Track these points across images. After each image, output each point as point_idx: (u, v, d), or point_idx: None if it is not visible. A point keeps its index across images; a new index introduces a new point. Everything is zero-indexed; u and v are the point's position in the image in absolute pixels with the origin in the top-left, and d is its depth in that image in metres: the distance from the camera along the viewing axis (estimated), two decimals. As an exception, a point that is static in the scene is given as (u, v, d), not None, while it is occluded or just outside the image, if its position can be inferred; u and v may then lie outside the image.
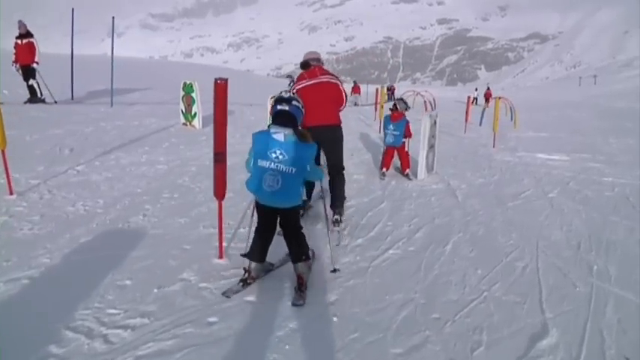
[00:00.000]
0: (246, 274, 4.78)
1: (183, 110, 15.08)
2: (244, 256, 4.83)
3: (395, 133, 9.90)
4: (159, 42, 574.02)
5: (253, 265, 4.80)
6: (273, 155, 4.38)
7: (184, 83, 14.92)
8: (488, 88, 44.17)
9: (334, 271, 5.26)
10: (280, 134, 4.38)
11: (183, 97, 15.01)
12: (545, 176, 10.82)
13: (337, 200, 6.77)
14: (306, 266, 4.78)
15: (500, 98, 26.65)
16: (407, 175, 10.02)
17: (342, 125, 6.89)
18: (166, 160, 10.42)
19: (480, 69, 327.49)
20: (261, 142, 4.46)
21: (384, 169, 10.06)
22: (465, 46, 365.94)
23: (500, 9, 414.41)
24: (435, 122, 10.19)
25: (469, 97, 22.36)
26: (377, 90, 21.01)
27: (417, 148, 9.92)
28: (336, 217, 6.60)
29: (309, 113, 5.43)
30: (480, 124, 22.24)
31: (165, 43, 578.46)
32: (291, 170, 4.39)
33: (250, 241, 4.93)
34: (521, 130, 20.96)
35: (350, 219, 7.16)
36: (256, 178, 4.48)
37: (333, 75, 6.73)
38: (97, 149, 10.68)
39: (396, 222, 7.13)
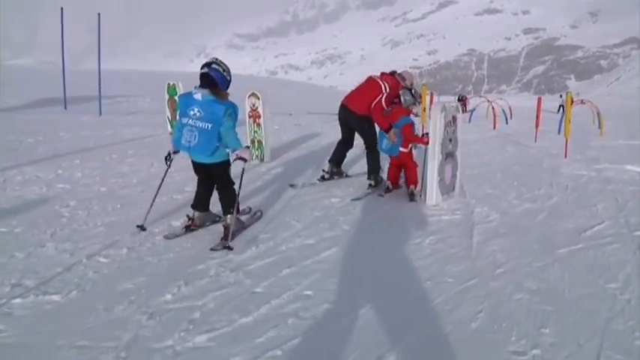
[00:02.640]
0: (190, 222, 5.32)
1: (169, 117, 12.41)
2: (191, 206, 5.36)
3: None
4: (245, 61, 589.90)
5: (197, 213, 5.35)
6: (192, 112, 4.81)
7: (168, 85, 12.23)
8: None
9: None
10: (199, 94, 4.80)
11: (168, 102, 12.34)
12: (634, 199, 7.07)
13: (369, 168, 7.56)
14: (233, 218, 5.07)
15: (582, 101, 22.20)
16: (411, 195, 6.88)
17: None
18: (81, 177, 7.73)
19: (570, 79, 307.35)
20: (184, 102, 4.91)
21: (389, 183, 7.28)
22: (552, 56, 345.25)
23: (591, 15, 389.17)
24: (454, 119, 6.73)
25: (539, 99, 18.26)
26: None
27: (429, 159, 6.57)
28: (369, 182, 7.46)
29: (352, 95, 7.64)
30: (559, 133, 18.02)
31: (251, 62, 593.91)
32: (207, 126, 4.78)
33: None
34: (609, 137, 16.56)
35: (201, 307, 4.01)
36: (178, 134, 4.95)
37: (388, 86, 7.15)
38: (2, 163, 8.11)
39: (306, 302, 3.82)
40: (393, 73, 7.51)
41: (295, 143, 11.99)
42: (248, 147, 5.18)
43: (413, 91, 7.25)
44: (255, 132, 9.57)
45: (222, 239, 4.99)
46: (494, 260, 4.56)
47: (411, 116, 7.12)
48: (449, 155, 6.70)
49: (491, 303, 3.65)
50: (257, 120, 9.49)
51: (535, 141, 14.93)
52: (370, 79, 7.51)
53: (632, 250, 4.91)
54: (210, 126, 4.76)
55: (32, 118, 13.24)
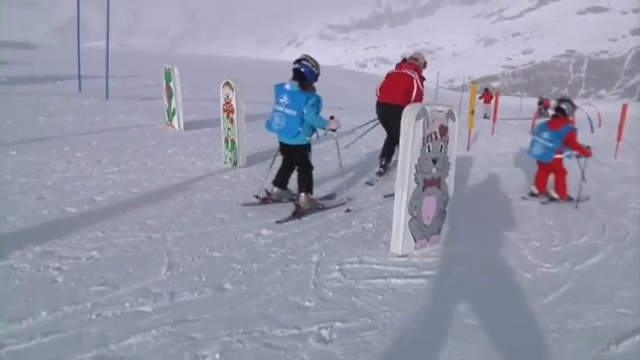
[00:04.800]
0: (267, 195, 5.90)
1: (166, 105, 10.84)
2: (272, 182, 5.90)
3: (548, 143, 6.89)
4: (335, 51, 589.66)
5: (275, 189, 5.89)
6: (281, 100, 5.43)
7: (165, 69, 10.65)
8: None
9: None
10: (288, 85, 5.40)
11: (165, 89, 10.77)
12: None
13: (390, 159, 7.85)
14: (306, 198, 5.63)
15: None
16: (551, 199, 7.07)
17: None
18: None
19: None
20: (277, 91, 5.51)
21: (534, 188, 7.29)
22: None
23: None
24: (444, 130, 4.52)
25: (624, 105, 15.18)
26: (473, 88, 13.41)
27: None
28: (379, 169, 7.74)
29: (383, 92, 7.83)
30: (650, 148, 14.93)
31: (341, 53, 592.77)
32: (293, 113, 5.34)
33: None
34: None
35: None
36: (271, 118, 5.54)
37: (413, 71, 7.64)
38: None
39: None
40: (404, 60, 8.11)
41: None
42: (332, 117, 5.49)
43: (571, 100, 7.27)
44: (228, 129, 7.74)
45: (292, 214, 5.49)
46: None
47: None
48: (430, 183, 4.54)
49: None
50: (230, 115, 7.65)
51: (615, 156, 12.20)
52: (396, 74, 7.83)
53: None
54: (295, 113, 5.31)
55: (34, 99, 12.11)
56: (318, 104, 5.37)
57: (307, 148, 5.61)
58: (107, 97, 13.20)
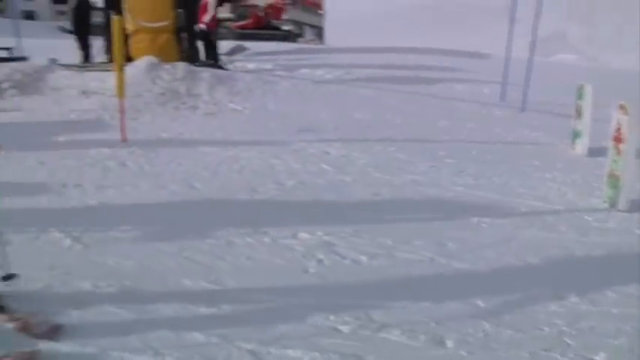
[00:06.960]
0: None
1: (574, 126, 9.73)
2: None
3: None
4: None
5: None
6: None
7: (578, 86, 9.59)
8: None
9: None
10: None
11: (575, 107, 9.71)
12: None
13: None
14: None
15: None
16: None
17: None
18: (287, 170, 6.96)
19: None
20: None
21: None
22: None
23: None
24: None
25: None
26: None
27: None
28: None
29: None
30: None
31: None
32: None
33: None
34: None
35: None
36: None
37: None
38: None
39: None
40: None
41: None
42: None
43: None
44: (614, 161, 6.35)
45: None
46: None
47: None
48: None
49: None
50: (619, 145, 6.24)
51: None
52: None
53: None
54: None
55: (449, 104, 12.64)
56: None
57: None
58: (523, 110, 12.70)
